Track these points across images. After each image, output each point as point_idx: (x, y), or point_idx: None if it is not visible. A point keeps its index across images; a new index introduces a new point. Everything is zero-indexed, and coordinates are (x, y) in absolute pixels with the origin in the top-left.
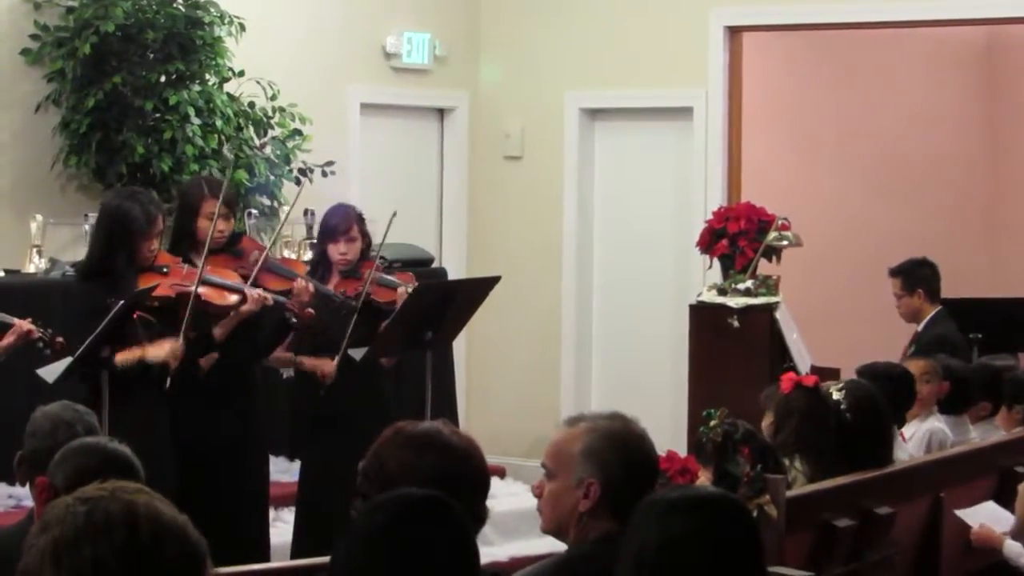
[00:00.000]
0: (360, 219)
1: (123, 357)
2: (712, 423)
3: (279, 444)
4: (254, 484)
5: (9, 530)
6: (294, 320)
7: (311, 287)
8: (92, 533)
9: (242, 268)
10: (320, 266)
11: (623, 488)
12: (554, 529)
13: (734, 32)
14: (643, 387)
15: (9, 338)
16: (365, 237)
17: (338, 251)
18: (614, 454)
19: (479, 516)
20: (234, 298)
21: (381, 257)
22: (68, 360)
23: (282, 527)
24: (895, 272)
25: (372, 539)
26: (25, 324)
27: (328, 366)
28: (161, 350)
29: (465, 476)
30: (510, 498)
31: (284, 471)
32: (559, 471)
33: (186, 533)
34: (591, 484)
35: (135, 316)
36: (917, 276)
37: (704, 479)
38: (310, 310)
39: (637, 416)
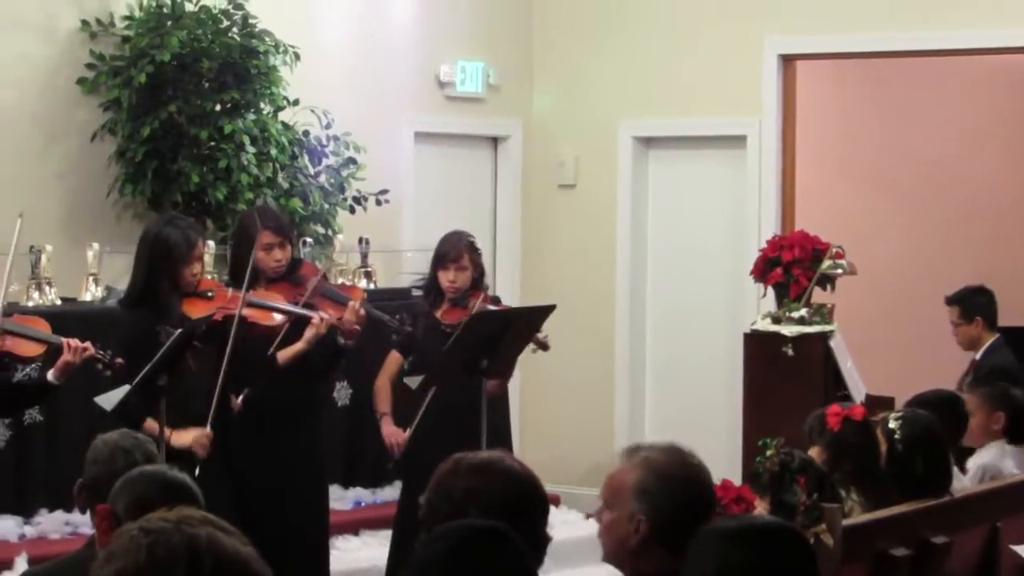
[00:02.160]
0: (472, 247)
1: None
2: (768, 452)
3: (333, 471)
4: (312, 511)
5: (72, 557)
6: (346, 342)
7: (362, 311)
8: (153, 567)
9: (300, 295)
10: (432, 292)
11: (673, 524)
12: (612, 560)
13: (788, 60)
14: (697, 415)
15: (67, 356)
16: (477, 267)
17: (447, 278)
18: (665, 491)
19: (544, 539)
20: (279, 319)
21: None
22: (126, 388)
23: (336, 555)
24: (952, 300)
25: (434, 569)
26: (77, 342)
27: (400, 437)
28: (186, 437)
29: (530, 500)
30: (565, 526)
31: (339, 499)
32: (614, 504)
33: (249, 566)
34: (641, 520)
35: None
36: (975, 304)
37: (761, 508)
38: (356, 327)
39: (692, 445)
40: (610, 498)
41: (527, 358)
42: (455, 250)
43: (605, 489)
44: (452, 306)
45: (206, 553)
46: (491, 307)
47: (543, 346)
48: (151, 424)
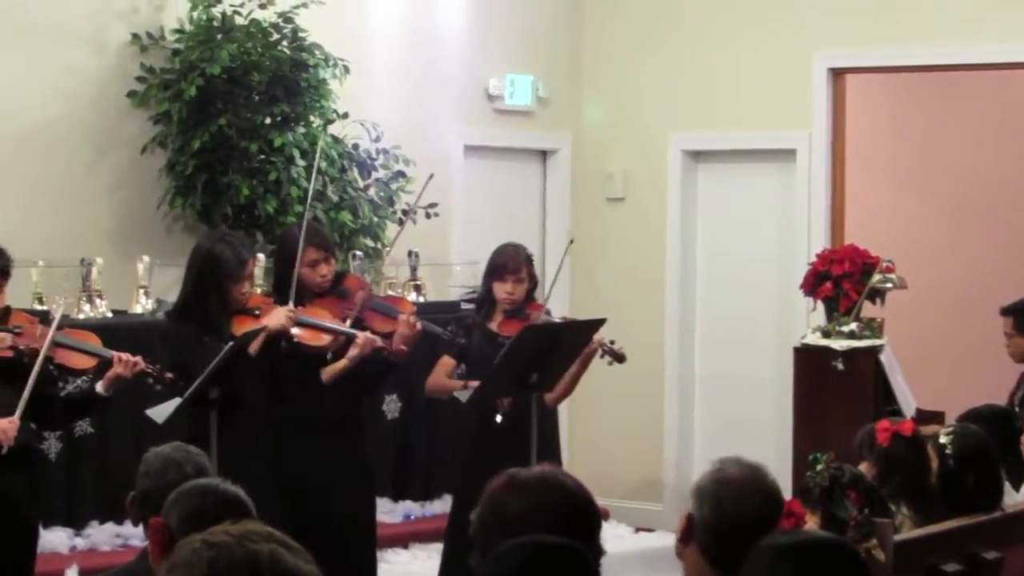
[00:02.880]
0: (529, 260)
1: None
2: (819, 467)
3: (383, 484)
4: (361, 525)
5: (124, 569)
6: (393, 358)
7: (418, 325)
8: None
9: (348, 310)
10: (486, 303)
11: (723, 537)
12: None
13: (837, 74)
14: (746, 429)
15: (117, 369)
16: (532, 279)
17: (504, 290)
18: (716, 498)
19: (598, 552)
20: (328, 339)
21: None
22: (177, 401)
23: (386, 568)
24: (1007, 311)
25: None
26: (128, 357)
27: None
28: (278, 317)
29: (585, 514)
30: (614, 540)
31: (388, 512)
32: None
33: None
34: (689, 516)
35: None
36: None
37: (811, 524)
38: (403, 347)
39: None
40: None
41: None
42: (514, 262)
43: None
44: (509, 318)
45: (267, 569)
46: (549, 319)
47: (619, 357)
48: None
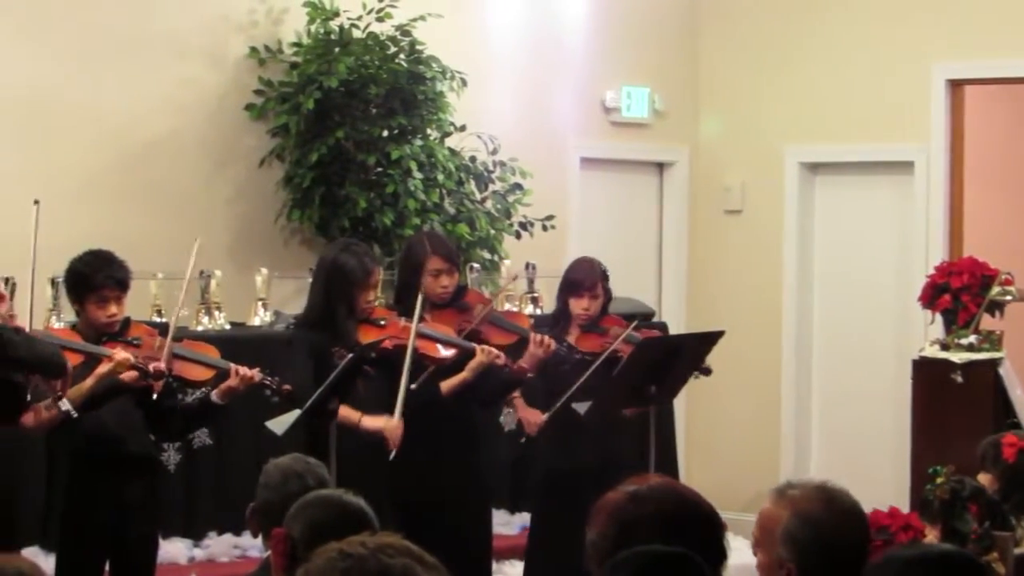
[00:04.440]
0: (604, 275)
1: (343, 415)
2: (939, 480)
3: (500, 496)
4: (476, 536)
5: None
6: (517, 376)
7: (552, 346)
8: None
9: (467, 322)
10: (561, 319)
11: (821, 570)
12: None
13: (956, 86)
14: (864, 442)
15: (232, 381)
16: (607, 293)
17: (580, 306)
18: (811, 537)
19: (723, 555)
20: (450, 352)
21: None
22: (297, 413)
23: None
24: None
25: None
26: (245, 370)
27: (537, 416)
28: (377, 422)
29: (707, 518)
30: (731, 553)
31: (505, 523)
32: (764, 545)
33: None
34: (789, 568)
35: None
36: None
37: (931, 537)
38: (523, 365)
39: (858, 472)
40: (761, 539)
41: (691, 384)
42: (590, 279)
43: (757, 528)
44: (587, 332)
45: None
46: (638, 334)
47: (706, 371)
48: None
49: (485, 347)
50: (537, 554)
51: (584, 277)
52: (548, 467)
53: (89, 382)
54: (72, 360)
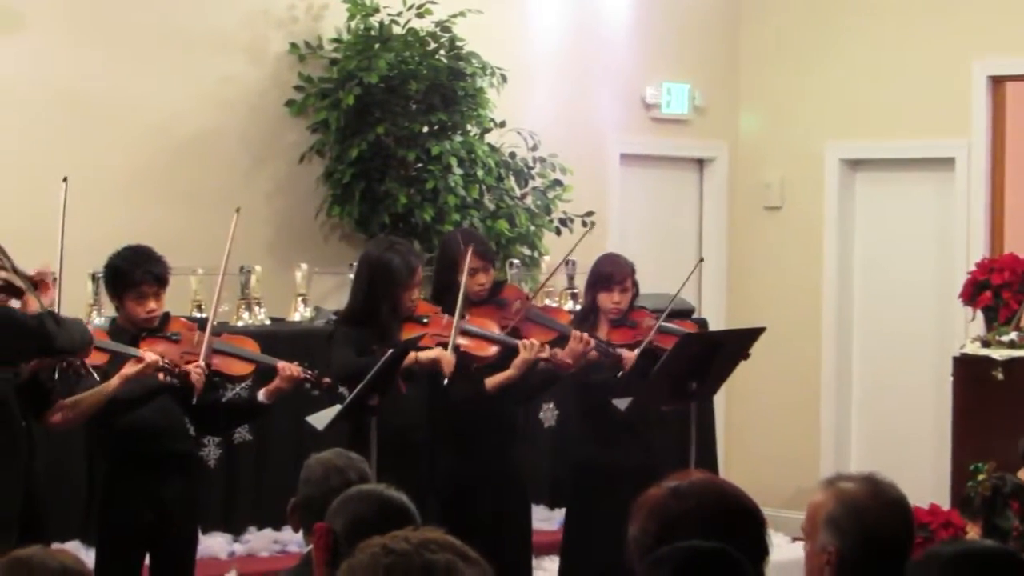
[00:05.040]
0: (633, 270)
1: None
2: (980, 477)
3: (540, 492)
4: (516, 532)
5: (291, 573)
6: (559, 371)
7: (592, 341)
8: None
9: (505, 319)
10: (591, 314)
11: (864, 558)
12: None
13: (997, 82)
14: (904, 439)
15: (279, 383)
16: (635, 287)
17: (611, 300)
18: (854, 525)
19: (765, 551)
20: (494, 349)
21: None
22: (337, 408)
23: (542, 575)
24: None
25: None
26: (292, 368)
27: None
28: (431, 353)
29: (748, 513)
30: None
31: (545, 519)
32: (811, 535)
33: None
34: (831, 553)
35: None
36: None
37: (973, 534)
38: (568, 360)
39: (899, 468)
40: (808, 529)
41: (730, 380)
42: (620, 272)
43: (805, 519)
44: (617, 326)
45: None
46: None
47: (744, 355)
48: None
49: (527, 342)
50: (573, 550)
51: (615, 271)
52: (586, 462)
53: (115, 382)
54: (100, 359)
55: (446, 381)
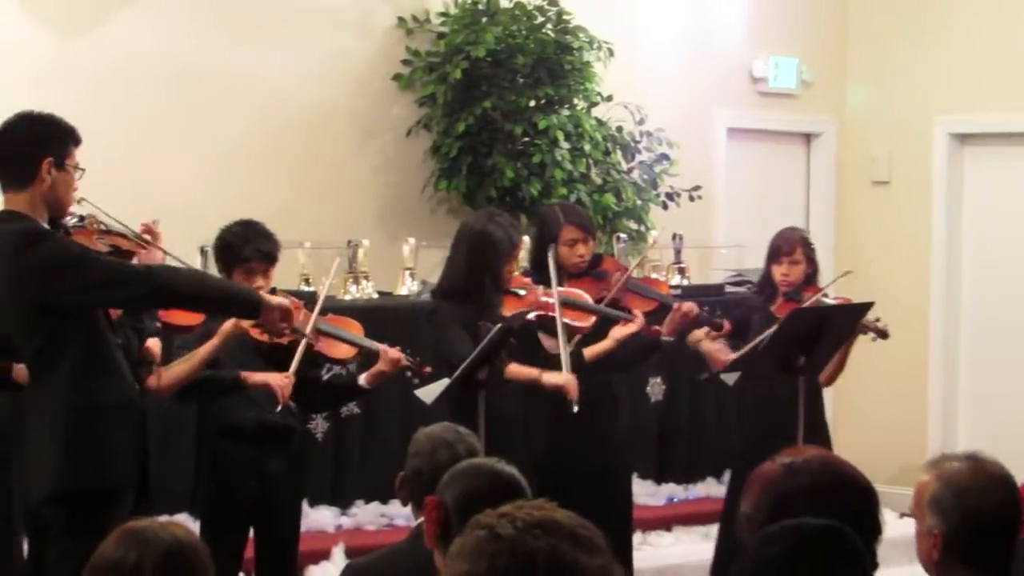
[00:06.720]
0: (806, 242)
1: (520, 372)
2: None
3: (647, 467)
4: (616, 506)
5: (399, 548)
6: (656, 340)
7: (694, 311)
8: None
9: (605, 290)
10: (767, 287)
11: (969, 539)
12: (925, 569)
13: None
14: (1013, 417)
15: (381, 366)
16: (811, 262)
17: (780, 272)
18: (956, 505)
19: (878, 529)
20: (591, 320)
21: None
22: (445, 382)
23: (649, 551)
24: None
25: (772, 570)
26: (394, 352)
27: (724, 353)
28: (557, 377)
29: (862, 490)
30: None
31: (651, 494)
32: (918, 517)
33: None
34: (936, 535)
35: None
36: None
37: None
38: (658, 327)
39: (1007, 448)
40: (916, 511)
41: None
42: (788, 244)
43: (912, 501)
44: (787, 300)
45: (542, 569)
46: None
47: (882, 334)
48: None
49: (634, 314)
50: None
51: (783, 243)
52: (753, 432)
53: (216, 340)
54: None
55: (576, 409)
